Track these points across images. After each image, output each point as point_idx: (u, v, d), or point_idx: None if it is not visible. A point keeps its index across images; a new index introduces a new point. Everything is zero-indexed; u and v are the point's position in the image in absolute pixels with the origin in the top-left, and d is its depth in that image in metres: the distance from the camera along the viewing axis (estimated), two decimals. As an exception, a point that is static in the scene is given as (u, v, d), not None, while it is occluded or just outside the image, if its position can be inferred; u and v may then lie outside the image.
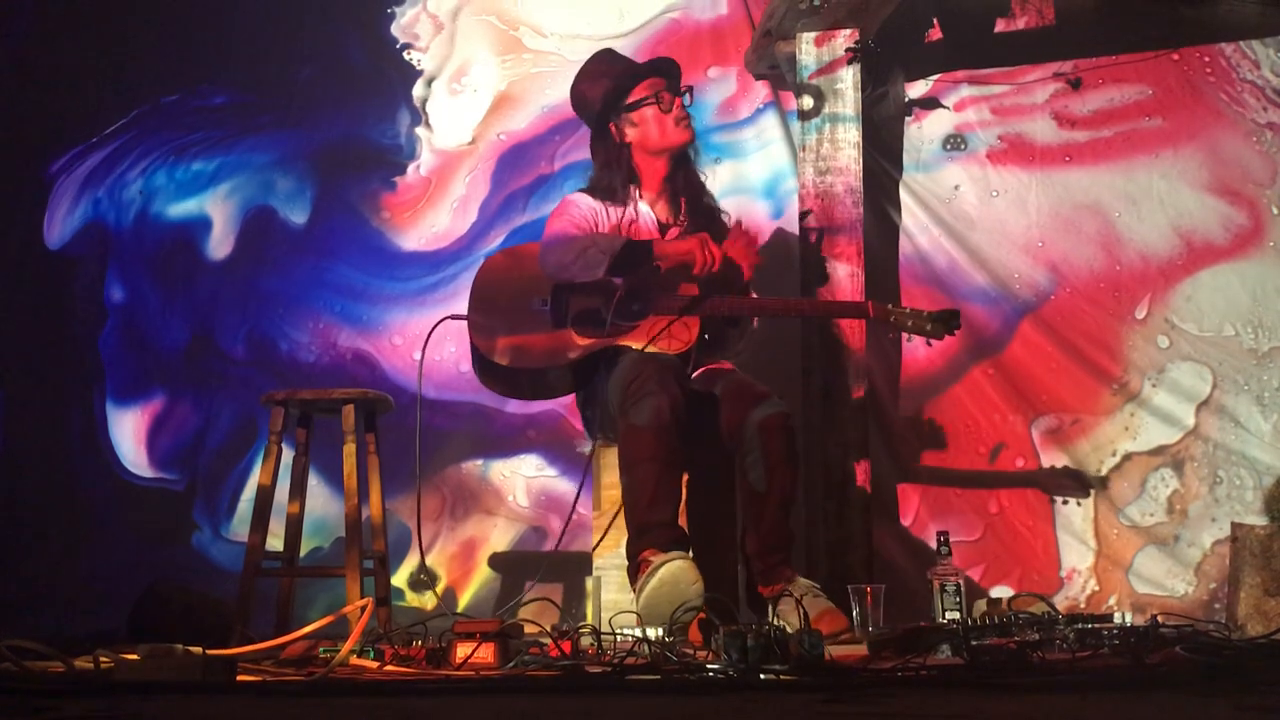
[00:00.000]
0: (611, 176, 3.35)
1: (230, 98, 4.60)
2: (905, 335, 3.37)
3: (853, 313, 3.68)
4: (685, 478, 3.04)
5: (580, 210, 3.32)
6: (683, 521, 2.99)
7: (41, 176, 4.62)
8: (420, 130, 4.50)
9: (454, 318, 3.35)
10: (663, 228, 3.35)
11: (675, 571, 2.72)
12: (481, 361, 3.24)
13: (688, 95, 3.38)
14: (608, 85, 3.36)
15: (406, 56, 4.53)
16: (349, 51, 4.57)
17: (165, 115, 4.61)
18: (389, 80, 4.54)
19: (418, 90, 4.52)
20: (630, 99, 3.34)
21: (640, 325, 3.13)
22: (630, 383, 2.94)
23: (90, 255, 4.59)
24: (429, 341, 3.50)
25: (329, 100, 4.54)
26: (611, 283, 3.15)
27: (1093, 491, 3.92)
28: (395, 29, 4.55)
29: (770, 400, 3.01)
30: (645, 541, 2.87)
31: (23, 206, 4.62)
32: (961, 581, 2.93)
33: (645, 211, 3.37)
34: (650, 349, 3.06)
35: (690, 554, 2.83)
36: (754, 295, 3.37)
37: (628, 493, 2.95)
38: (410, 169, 4.48)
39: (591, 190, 3.39)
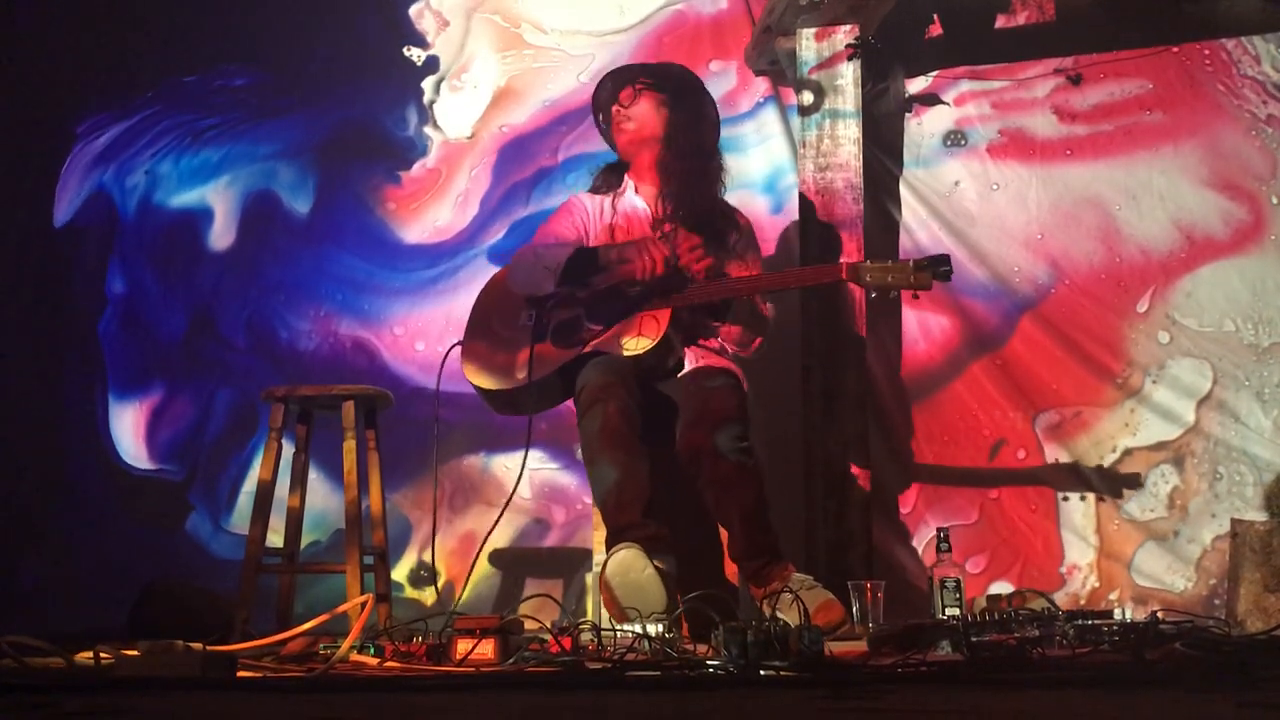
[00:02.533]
0: (607, 173, 3.50)
1: (252, 79, 4.60)
2: (890, 293, 3.04)
3: (824, 277, 3.37)
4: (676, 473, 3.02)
5: (571, 216, 3.41)
6: (679, 516, 2.99)
7: (66, 131, 4.62)
8: (424, 123, 4.50)
9: (458, 344, 3.32)
10: (656, 222, 3.36)
11: (623, 561, 2.73)
12: (476, 389, 3.26)
13: (638, 91, 3.40)
14: (601, 101, 3.50)
15: (407, 53, 4.54)
16: (362, 42, 4.57)
17: (187, 93, 4.62)
18: (398, 73, 4.54)
19: (423, 84, 4.53)
20: (611, 115, 3.47)
21: (613, 328, 3.11)
22: (580, 390, 2.96)
23: (93, 239, 4.59)
24: (443, 366, 3.39)
25: (339, 90, 4.55)
26: (575, 294, 3.18)
27: (1096, 488, 3.91)
28: (402, 25, 4.55)
29: (725, 428, 2.91)
30: (621, 540, 2.88)
31: (38, 172, 4.61)
32: (962, 578, 2.93)
33: (640, 205, 3.41)
34: (624, 350, 3.03)
35: (642, 546, 2.80)
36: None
37: (595, 498, 2.99)
38: (414, 161, 4.49)
39: (595, 187, 3.50)
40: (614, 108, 3.43)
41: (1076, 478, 3.94)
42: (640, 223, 3.38)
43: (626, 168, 3.47)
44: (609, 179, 3.49)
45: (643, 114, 3.39)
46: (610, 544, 2.89)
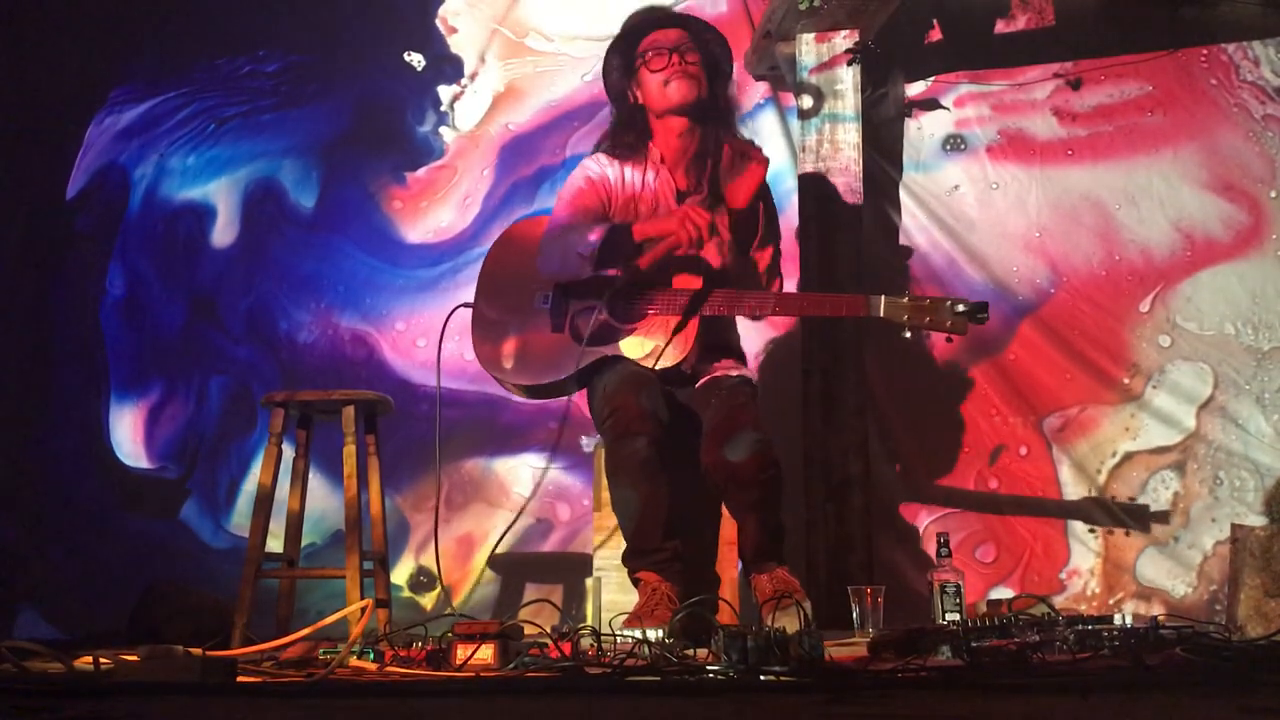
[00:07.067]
0: (623, 134, 3.20)
1: (282, 64, 4.61)
2: (924, 334, 3.03)
3: (859, 309, 3.08)
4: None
5: (594, 186, 3.16)
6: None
7: (98, 96, 4.63)
8: (430, 124, 4.51)
9: (465, 306, 3.21)
10: (680, 195, 3.13)
11: None
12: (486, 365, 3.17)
13: (684, 53, 3.11)
14: (622, 47, 3.23)
15: (407, 58, 4.54)
16: (380, 43, 4.58)
17: (218, 76, 4.62)
18: (411, 77, 4.55)
19: (431, 88, 4.53)
20: (636, 62, 3.17)
21: (638, 326, 3.00)
22: (609, 415, 2.90)
23: (100, 221, 4.59)
24: (443, 339, 3.31)
25: (357, 87, 4.56)
26: (605, 277, 3.00)
27: (1122, 521, 3.90)
28: (416, 30, 4.56)
29: (743, 437, 2.83)
30: (640, 562, 2.90)
31: (61, 137, 4.62)
32: (962, 583, 2.93)
33: (664, 177, 3.16)
34: (643, 362, 2.96)
35: (660, 570, 2.86)
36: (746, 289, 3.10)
37: (616, 513, 2.98)
38: (422, 162, 4.49)
39: (609, 150, 3.21)
40: (668, 52, 3.11)
41: (1101, 510, 3.92)
42: (665, 192, 3.15)
43: (648, 131, 3.18)
44: (630, 143, 3.18)
45: (694, 71, 3.11)
46: (631, 558, 2.92)
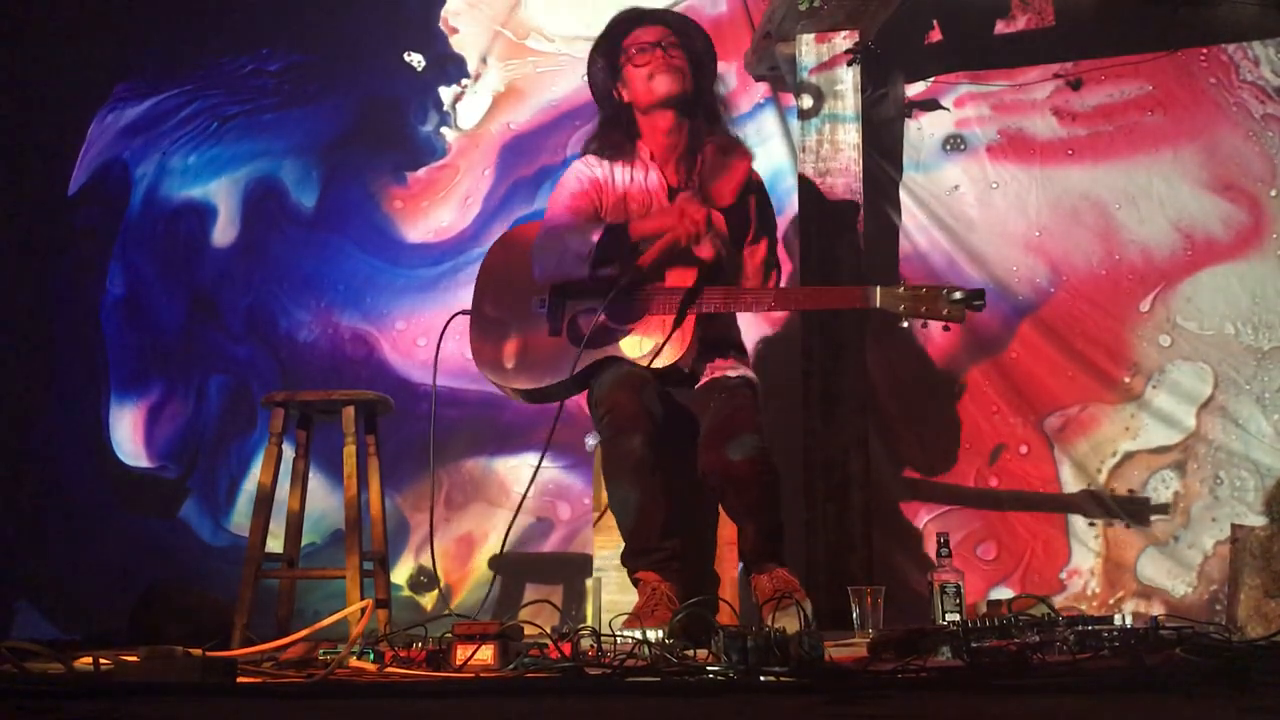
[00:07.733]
0: (610, 134, 3.20)
1: (284, 64, 4.60)
2: (920, 322, 3.04)
3: (854, 301, 3.15)
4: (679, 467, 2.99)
5: (584, 187, 3.15)
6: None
7: (102, 91, 4.61)
8: (431, 124, 4.51)
9: (464, 313, 3.21)
10: (672, 191, 3.13)
11: None
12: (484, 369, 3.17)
13: (667, 47, 3.10)
14: (605, 46, 3.21)
15: (407, 58, 4.54)
16: (382, 41, 4.57)
17: (222, 74, 4.61)
18: (413, 77, 4.54)
19: (430, 86, 4.53)
20: (620, 60, 3.16)
21: (634, 327, 2.99)
22: (605, 414, 2.90)
23: (100, 218, 4.58)
24: (441, 340, 3.31)
25: (358, 86, 4.56)
26: (602, 278, 2.99)
27: (1116, 513, 3.90)
28: (417, 31, 4.55)
29: (737, 442, 2.82)
30: (639, 562, 2.90)
31: (64, 130, 4.60)
32: (962, 583, 2.93)
33: (654, 175, 3.16)
34: (640, 361, 2.96)
35: (659, 570, 2.85)
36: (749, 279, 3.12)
37: (614, 513, 2.96)
38: (423, 162, 4.48)
39: (597, 150, 3.21)
40: (651, 47, 3.10)
41: (1096, 503, 3.92)
42: (656, 190, 3.14)
43: (635, 129, 3.18)
44: (618, 143, 3.18)
45: (679, 64, 3.10)
46: (629, 558, 2.92)
